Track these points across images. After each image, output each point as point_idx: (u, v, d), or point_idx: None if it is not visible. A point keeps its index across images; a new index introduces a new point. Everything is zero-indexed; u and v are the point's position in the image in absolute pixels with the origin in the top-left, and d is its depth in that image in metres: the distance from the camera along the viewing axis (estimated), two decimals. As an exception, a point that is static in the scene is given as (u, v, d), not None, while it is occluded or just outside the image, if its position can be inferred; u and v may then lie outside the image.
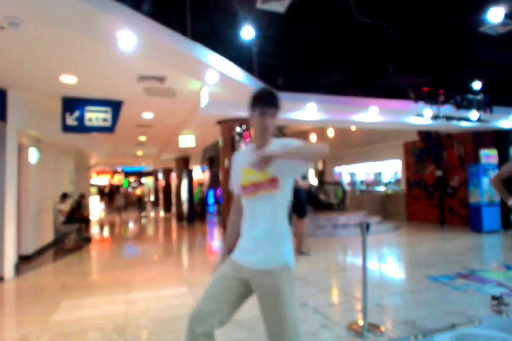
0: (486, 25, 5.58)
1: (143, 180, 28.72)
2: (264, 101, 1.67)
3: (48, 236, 7.81)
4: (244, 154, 1.82)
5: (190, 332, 1.61)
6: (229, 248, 1.86)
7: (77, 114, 5.60)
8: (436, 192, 10.26)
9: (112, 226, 13.09)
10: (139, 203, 20.09)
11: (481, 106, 7.33)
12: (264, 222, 1.63)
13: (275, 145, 1.67)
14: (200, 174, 17.48)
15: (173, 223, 13.36)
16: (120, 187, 25.96)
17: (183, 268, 5.99)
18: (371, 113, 7.42)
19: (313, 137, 16.16)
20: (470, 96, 7.25)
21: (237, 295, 1.66)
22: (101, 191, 27.01)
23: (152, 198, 26.23)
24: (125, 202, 21.12)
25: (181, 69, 4.47)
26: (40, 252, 7.05)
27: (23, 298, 4.30)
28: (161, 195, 21.91)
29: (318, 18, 6.75)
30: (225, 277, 1.69)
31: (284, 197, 1.67)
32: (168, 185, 19.10)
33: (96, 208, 21.63)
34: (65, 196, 8.50)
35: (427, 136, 10.46)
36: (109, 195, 25.47)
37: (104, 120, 5.73)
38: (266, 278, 1.60)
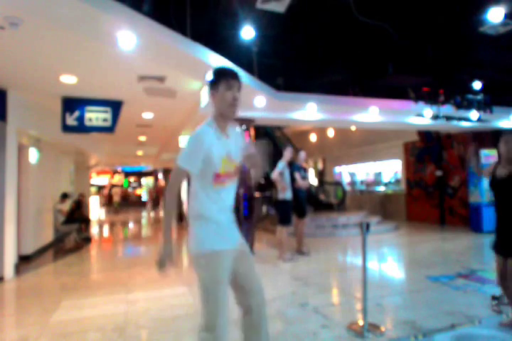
0: (486, 25, 5.59)
1: (143, 180, 28.64)
2: (230, 75, 1.76)
3: (47, 236, 7.81)
4: (211, 138, 1.75)
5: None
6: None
7: (77, 113, 5.60)
8: (436, 192, 10.25)
9: (110, 225, 13.08)
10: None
11: (481, 106, 7.32)
12: (230, 204, 1.90)
13: (234, 129, 1.90)
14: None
15: (173, 223, 13.34)
16: (114, 186, 25.74)
17: (183, 268, 5.99)
18: (371, 113, 7.41)
19: (313, 137, 16.17)
20: (470, 96, 7.24)
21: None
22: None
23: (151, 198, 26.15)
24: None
25: (181, 69, 4.47)
26: (40, 252, 7.04)
27: (23, 298, 4.29)
28: (161, 195, 21.87)
29: (318, 17, 6.74)
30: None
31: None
32: (168, 185, 19.03)
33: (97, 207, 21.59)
34: (65, 196, 8.50)
35: (427, 136, 10.46)
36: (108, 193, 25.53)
37: (104, 120, 5.73)
38: (244, 244, 1.95)
